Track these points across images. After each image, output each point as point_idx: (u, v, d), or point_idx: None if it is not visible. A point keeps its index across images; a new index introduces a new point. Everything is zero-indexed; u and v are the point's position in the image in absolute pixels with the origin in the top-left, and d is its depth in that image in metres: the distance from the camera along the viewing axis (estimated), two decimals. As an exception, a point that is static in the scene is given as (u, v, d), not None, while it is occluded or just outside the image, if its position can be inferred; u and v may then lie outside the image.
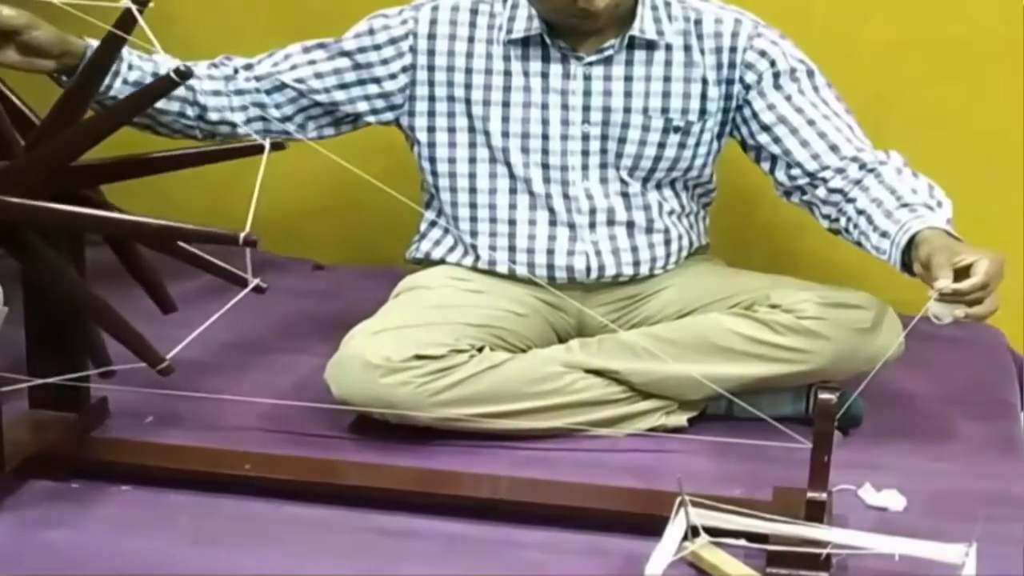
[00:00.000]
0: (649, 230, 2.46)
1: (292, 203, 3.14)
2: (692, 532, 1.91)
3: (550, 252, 2.44)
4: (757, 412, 2.10)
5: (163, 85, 1.96)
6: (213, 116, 2.38)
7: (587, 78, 2.38)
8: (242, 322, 2.56)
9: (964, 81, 2.89)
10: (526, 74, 2.39)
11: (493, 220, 2.46)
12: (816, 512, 1.93)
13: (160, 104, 2.32)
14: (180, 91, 2.34)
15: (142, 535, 2.01)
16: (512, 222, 2.45)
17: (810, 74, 2.39)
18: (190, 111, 2.37)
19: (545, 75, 2.39)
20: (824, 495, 1.93)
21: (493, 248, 2.46)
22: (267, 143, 1.95)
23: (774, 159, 2.40)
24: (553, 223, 2.44)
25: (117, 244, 2.13)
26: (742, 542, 1.92)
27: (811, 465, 1.93)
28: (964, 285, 1.97)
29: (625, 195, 2.44)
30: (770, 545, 1.91)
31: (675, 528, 1.89)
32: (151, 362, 1.99)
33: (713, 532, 1.92)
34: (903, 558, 1.87)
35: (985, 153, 2.90)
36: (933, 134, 2.85)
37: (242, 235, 1.86)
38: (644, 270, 2.47)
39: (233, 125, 2.38)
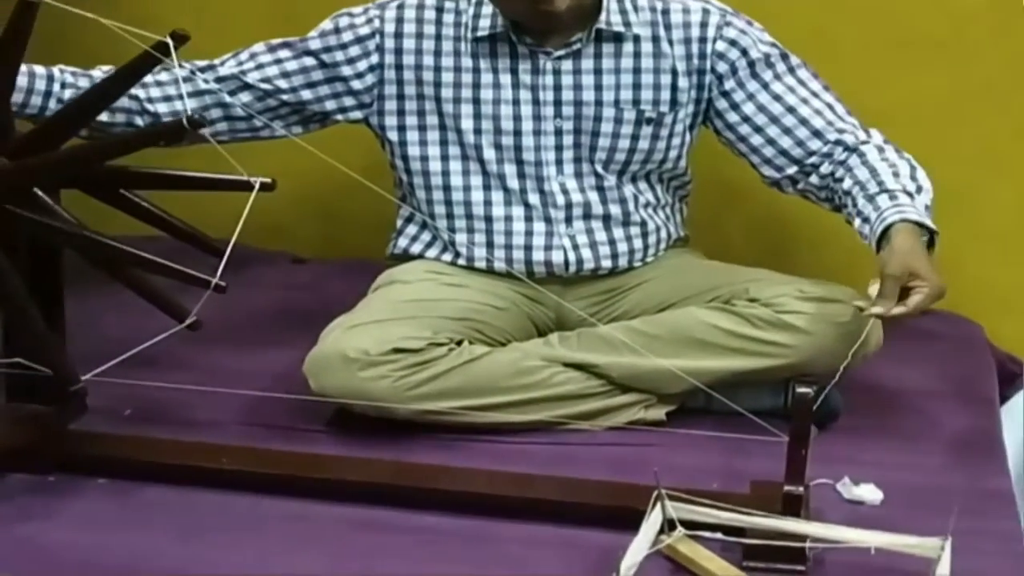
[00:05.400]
0: (626, 223, 2.46)
1: (272, 197, 3.11)
2: (669, 526, 1.92)
3: (527, 248, 2.44)
4: (735, 406, 2.10)
5: (171, 131, 1.95)
6: (169, 121, 2.37)
7: (556, 72, 2.38)
8: (221, 315, 2.55)
9: (951, 74, 2.89)
10: (495, 71, 2.39)
11: (469, 217, 2.46)
12: (793, 506, 1.93)
13: (104, 117, 2.31)
14: (124, 101, 2.34)
15: (119, 529, 2.01)
16: (488, 218, 2.45)
17: (784, 57, 2.41)
18: (139, 120, 2.37)
19: (514, 71, 2.39)
20: (801, 489, 1.93)
21: (471, 244, 2.46)
22: (257, 182, 1.95)
23: (756, 151, 2.41)
24: (529, 219, 2.44)
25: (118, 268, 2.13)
26: (719, 535, 1.92)
27: (788, 459, 1.93)
28: (893, 313, 2.10)
29: (600, 188, 2.44)
30: (747, 539, 1.91)
31: (651, 522, 1.89)
32: (177, 317, 2.01)
33: (690, 525, 1.92)
34: (879, 552, 1.87)
35: (973, 147, 2.91)
36: (919, 127, 2.85)
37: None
38: (622, 263, 2.48)
39: None
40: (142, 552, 1.95)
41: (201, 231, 2.15)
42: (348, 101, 2.44)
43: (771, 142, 2.39)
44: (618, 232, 2.46)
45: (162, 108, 2.37)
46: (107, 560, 1.92)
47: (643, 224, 2.48)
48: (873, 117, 2.44)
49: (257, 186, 1.94)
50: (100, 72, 2.38)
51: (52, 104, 2.31)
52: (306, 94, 2.43)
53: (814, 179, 2.37)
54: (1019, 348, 2.90)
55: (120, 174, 2.08)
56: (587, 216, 2.44)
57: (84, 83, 2.35)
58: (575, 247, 2.44)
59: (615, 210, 2.45)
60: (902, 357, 2.60)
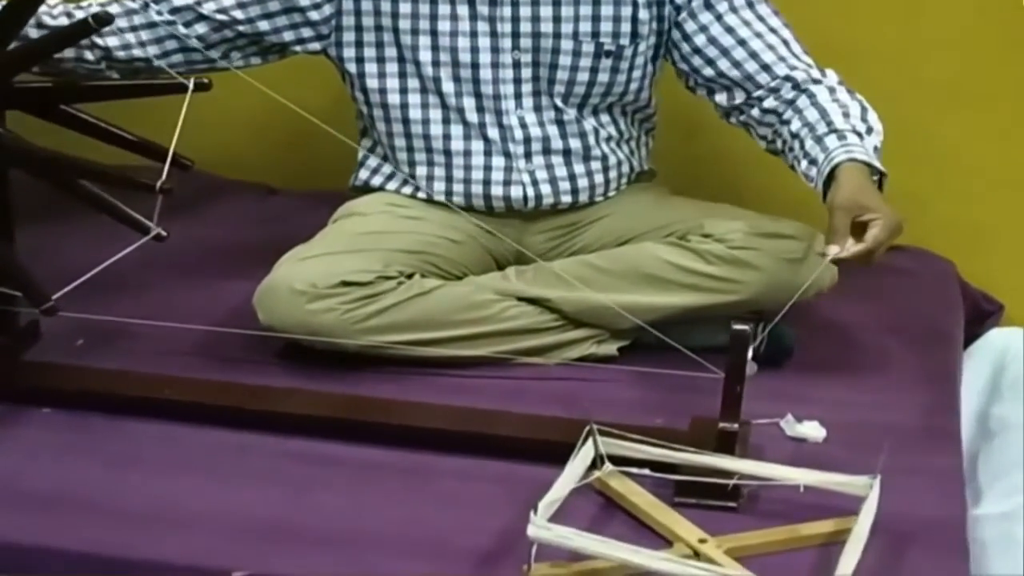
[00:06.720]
0: (586, 157, 2.44)
1: (245, 127, 3.12)
2: (600, 461, 1.92)
3: (486, 183, 2.42)
4: (671, 341, 2.08)
5: (77, 30, 1.94)
6: (121, 55, 2.32)
7: (515, 4, 2.35)
8: (187, 246, 2.56)
9: (923, 11, 2.85)
10: (452, 2, 2.36)
11: (429, 150, 2.44)
12: (727, 443, 1.93)
13: None
14: None
15: (60, 458, 2.02)
16: (447, 152, 2.43)
17: None
18: (90, 55, 2.30)
19: (471, 3, 2.36)
20: (736, 426, 1.93)
21: (431, 178, 2.45)
22: (191, 83, 1.94)
23: (709, 83, 2.38)
24: (488, 153, 2.42)
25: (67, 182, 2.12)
26: (646, 471, 1.91)
27: (723, 396, 1.93)
28: (846, 254, 2.07)
29: (560, 122, 2.42)
30: (678, 475, 1.91)
31: (580, 458, 1.89)
32: (141, 230, 2.00)
33: (622, 461, 1.93)
34: (813, 489, 1.87)
35: (942, 82, 2.87)
36: (889, 63, 2.82)
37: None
38: (583, 198, 2.46)
39: (147, 60, 2.34)
40: (79, 481, 1.96)
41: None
42: (306, 32, 2.42)
43: (721, 75, 2.36)
44: (578, 167, 2.44)
45: (112, 41, 2.32)
46: (45, 488, 1.94)
47: (604, 158, 2.46)
48: (843, 54, 2.42)
49: (192, 86, 1.93)
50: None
51: None
52: (263, 25, 2.40)
53: (755, 112, 2.35)
54: (994, 286, 2.87)
55: (57, 89, 2.08)
56: (546, 151, 2.42)
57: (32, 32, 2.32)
58: (534, 182, 2.43)
59: (575, 144, 2.43)
60: (867, 293, 2.59)
